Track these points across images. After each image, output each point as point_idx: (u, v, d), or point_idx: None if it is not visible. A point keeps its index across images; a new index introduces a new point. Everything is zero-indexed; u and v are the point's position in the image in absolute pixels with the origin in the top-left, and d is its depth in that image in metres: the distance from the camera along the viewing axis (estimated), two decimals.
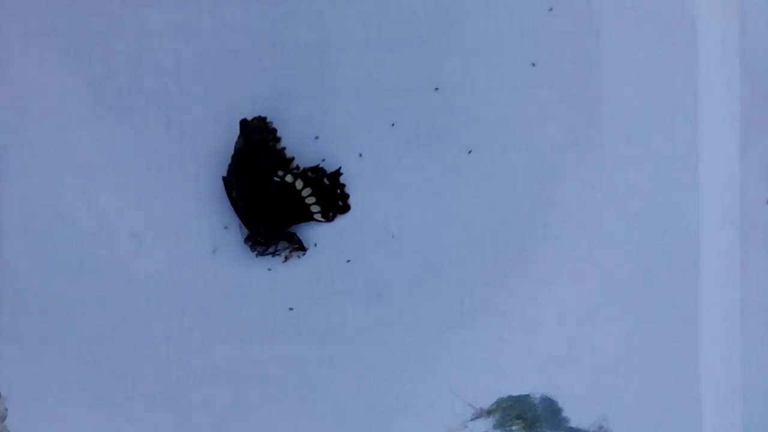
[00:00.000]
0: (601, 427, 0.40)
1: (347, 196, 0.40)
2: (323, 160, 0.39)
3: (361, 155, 0.39)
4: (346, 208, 0.40)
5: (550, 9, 0.38)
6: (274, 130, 0.39)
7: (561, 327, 0.39)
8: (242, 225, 0.40)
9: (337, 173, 0.40)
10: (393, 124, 0.39)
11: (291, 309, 0.40)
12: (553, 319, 0.39)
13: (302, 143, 0.40)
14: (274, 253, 0.40)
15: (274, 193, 0.39)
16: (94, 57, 0.39)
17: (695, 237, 0.39)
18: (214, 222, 0.40)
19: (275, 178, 0.39)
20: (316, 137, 0.39)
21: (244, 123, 0.39)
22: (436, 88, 0.39)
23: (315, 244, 0.40)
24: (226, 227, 0.40)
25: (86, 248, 0.40)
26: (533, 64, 0.38)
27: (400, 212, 0.40)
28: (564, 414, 0.40)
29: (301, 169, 0.39)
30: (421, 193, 0.39)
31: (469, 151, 0.39)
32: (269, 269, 0.40)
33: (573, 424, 0.40)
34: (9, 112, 0.40)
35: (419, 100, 0.39)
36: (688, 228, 0.39)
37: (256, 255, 0.40)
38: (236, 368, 0.40)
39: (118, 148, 0.40)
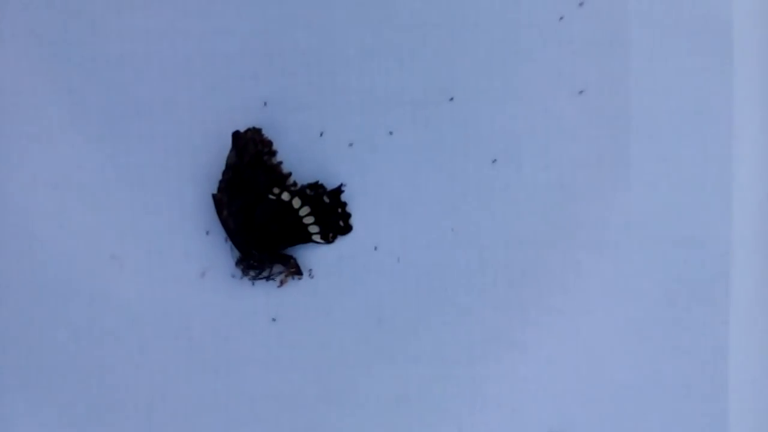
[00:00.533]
0: None
1: (349, 215, 0.37)
2: (322, 177, 0.36)
3: (364, 172, 0.36)
4: (347, 229, 0.37)
5: (579, 5, 0.35)
6: (270, 143, 0.36)
7: (580, 361, 0.36)
8: (233, 247, 0.36)
9: (338, 190, 0.37)
10: (394, 135, 0.36)
11: (284, 339, 0.37)
12: (571, 352, 0.36)
13: (300, 158, 0.36)
14: (268, 278, 0.37)
15: (269, 213, 0.36)
16: (73, 62, 0.36)
17: (726, 264, 0.36)
18: (202, 243, 0.37)
19: (270, 196, 0.36)
20: (318, 150, 0.36)
21: (236, 135, 0.35)
22: (451, 99, 0.36)
23: (310, 271, 0.36)
24: (207, 232, 0.36)
25: (62, 270, 0.37)
26: (556, 74, 0.35)
27: (407, 234, 0.36)
28: None
29: (298, 186, 0.36)
30: (430, 213, 0.36)
31: (489, 164, 0.35)
32: (263, 295, 0.37)
33: None
34: None
35: (430, 111, 0.36)
36: (719, 254, 0.36)
37: (249, 279, 0.37)
38: (225, 403, 0.36)
39: (97, 161, 0.37)
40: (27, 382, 0.37)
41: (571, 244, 0.36)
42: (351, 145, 0.36)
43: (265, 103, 0.36)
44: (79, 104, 0.36)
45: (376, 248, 0.36)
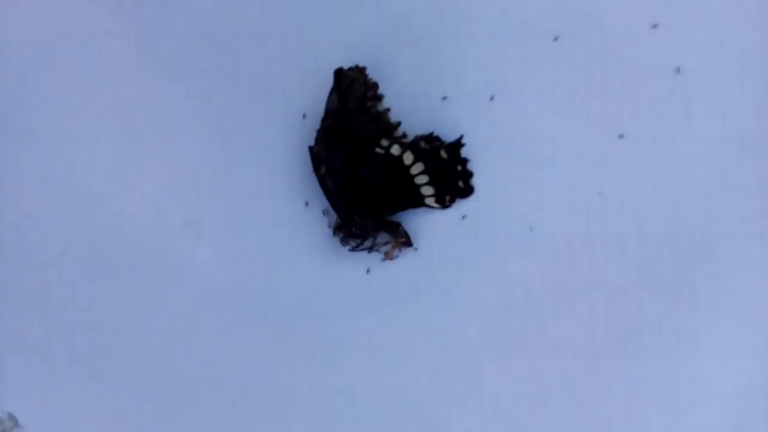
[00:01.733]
0: None
1: (471, 174, 0.30)
2: (437, 128, 0.30)
3: (490, 122, 0.30)
4: (468, 191, 0.30)
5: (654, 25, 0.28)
6: (375, 85, 0.30)
7: (762, 356, 0.29)
8: (331, 210, 0.30)
9: (458, 144, 0.30)
10: (527, 77, 0.29)
11: (392, 326, 0.30)
12: (751, 346, 0.29)
13: (412, 104, 0.30)
14: (371, 249, 0.30)
15: (376, 170, 0.30)
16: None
17: None
18: (294, 206, 0.31)
19: (377, 150, 0.30)
20: (444, 97, 0.30)
21: (339, 73, 0.29)
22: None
23: (428, 243, 0.30)
24: (307, 203, 0.31)
25: (126, 238, 0.31)
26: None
27: (542, 197, 0.30)
28: None
29: (410, 138, 0.30)
30: (571, 172, 0.29)
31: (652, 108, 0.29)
32: (367, 270, 0.31)
33: None
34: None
35: (578, 42, 0.29)
36: None
37: (349, 250, 0.30)
38: (323, 400, 0.30)
39: (167, 103, 0.31)
40: (91, 369, 0.32)
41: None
42: (475, 86, 0.30)
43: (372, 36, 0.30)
44: (149, 37, 0.31)
45: (503, 215, 0.30)
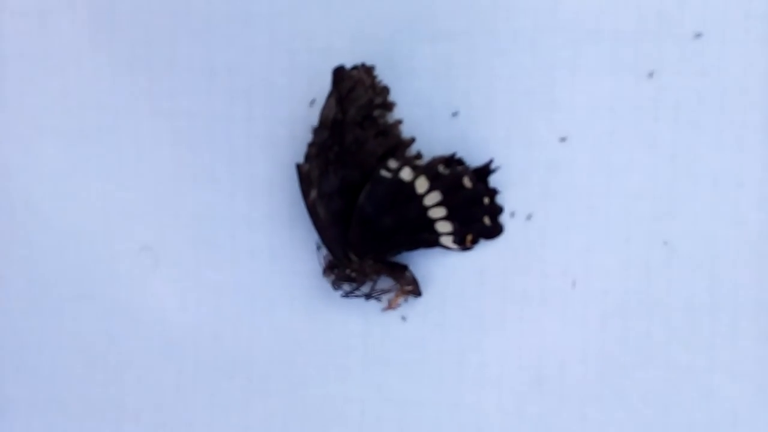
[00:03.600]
0: None
1: (500, 209, 0.24)
2: (461, 149, 0.23)
3: (527, 146, 0.23)
4: (496, 230, 0.24)
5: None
6: (385, 90, 0.24)
7: None
8: (321, 245, 0.24)
9: (486, 170, 0.24)
10: (569, 67, 0.23)
11: (388, 393, 0.24)
12: None
13: (431, 116, 0.24)
14: (369, 296, 0.24)
15: (380, 197, 0.23)
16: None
17: None
18: (276, 236, 0.25)
19: (383, 172, 0.23)
20: (454, 113, 0.24)
21: (339, 73, 0.23)
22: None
23: (441, 293, 0.24)
24: (293, 243, 0.24)
25: (72, 263, 0.25)
26: None
27: (590, 244, 0.23)
28: None
29: (426, 159, 0.24)
30: (630, 214, 0.23)
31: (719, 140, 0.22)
32: (362, 317, 0.24)
33: None
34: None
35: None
36: None
37: (342, 295, 0.24)
38: None
39: (128, 103, 0.25)
40: (31, 407, 0.26)
41: None
42: (508, 100, 0.23)
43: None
44: (104, 17, 0.25)
45: (539, 264, 0.24)
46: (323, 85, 0.23)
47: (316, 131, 0.23)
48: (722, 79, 0.23)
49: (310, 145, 0.23)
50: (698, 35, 0.23)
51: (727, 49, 0.23)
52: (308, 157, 0.23)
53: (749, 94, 0.23)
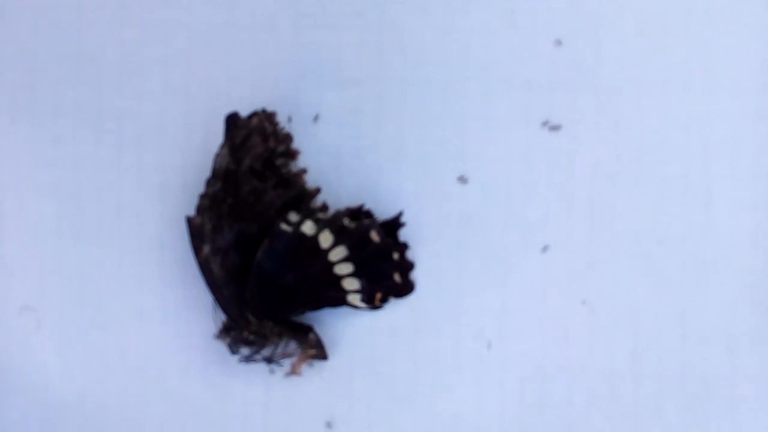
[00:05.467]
0: None
1: (411, 266, 0.22)
2: (369, 200, 0.22)
3: (439, 194, 0.22)
4: (407, 288, 0.22)
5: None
6: (288, 138, 0.22)
7: None
8: (216, 306, 0.22)
9: (396, 223, 0.22)
10: (480, 116, 0.22)
11: None
12: None
13: (337, 165, 0.22)
14: (271, 360, 0.22)
15: (279, 254, 0.21)
16: None
17: None
18: (168, 295, 0.22)
19: (283, 226, 0.22)
20: (381, 158, 0.22)
21: (233, 120, 0.21)
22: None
23: (348, 357, 0.22)
24: (186, 302, 0.22)
25: None
26: None
27: (505, 304, 0.22)
28: None
29: (331, 211, 0.22)
30: (548, 272, 0.22)
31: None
32: (264, 386, 0.22)
33: None
34: None
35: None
36: None
37: (240, 360, 0.22)
38: None
39: (8, 149, 0.22)
40: None
41: None
42: (422, 146, 0.22)
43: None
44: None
45: (452, 324, 0.22)
46: (219, 132, 0.21)
47: (209, 182, 0.21)
48: (640, 132, 0.22)
49: (202, 197, 0.21)
50: (611, 88, 0.22)
51: (644, 101, 0.22)
52: (200, 209, 0.21)
53: (667, 147, 0.22)
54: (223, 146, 0.21)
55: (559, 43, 0.22)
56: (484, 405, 0.22)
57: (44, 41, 0.23)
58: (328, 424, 0.22)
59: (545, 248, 0.22)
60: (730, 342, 0.21)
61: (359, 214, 0.22)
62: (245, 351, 0.22)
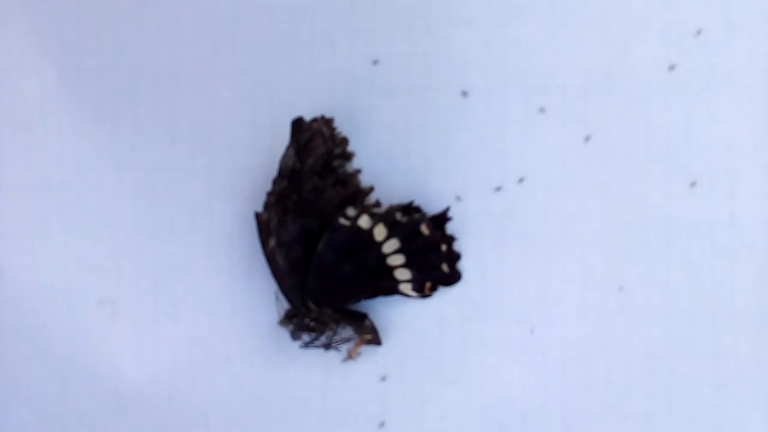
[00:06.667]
0: None
1: (458, 256, 0.24)
2: (419, 197, 0.24)
3: (484, 191, 0.24)
4: (454, 277, 0.24)
5: None
6: (345, 141, 0.24)
7: None
8: (280, 294, 0.24)
9: (444, 217, 0.24)
10: (542, 110, 0.24)
11: None
12: None
13: (389, 166, 0.24)
14: (328, 346, 0.24)
15: (338, 246, 0.24)
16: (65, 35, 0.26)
17: None
18: (235, 287, 0.24)
19: (341, 221, 0.24)
20: (429, 160, 0.24)
21: (298, 124, 0.23)
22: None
23: (401, 342, 0.24)
24: (252, 293, 0.24)
25: (29, 317, 0.25)
26: None
27: (547, 291, 0.23)
28: None
29: (384, 207, 0.24)
30: (586, 261, 0.23)
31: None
32: (323, 370, 0.24)
33: None
34: None
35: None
36: None
37: (300, 346, 0.24)
38: None
39: (90, 155, 0.25)
40: None
41: None
42: (468, 147, 0.24)
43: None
44: (71, 73, 0.25)
45: (497, 311, 0.24)
46: (283, 136, 0.23)
47: (275, 180, 0.23)
48: (668, 131, 0.24)
49: (269, 194, 0.24)
50: (641, 93, 0.24)
51: (671, 102, 0.24)
52: (267, 205, 0.24)
53: (693, 144, 0.23)
54: (289, 147, 0.23)
55: (590, 51, 0.24)
56: (528, 385, 0.23)
57: (124, 57, 0.25)
58: (383, 406, 0.24)
59: (583, 239, 0.23)
60: (758, 321, 0.22)
61: (410, 209, 0.24)
62: (306, 337, 0.24)
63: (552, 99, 0.24)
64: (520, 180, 0.24)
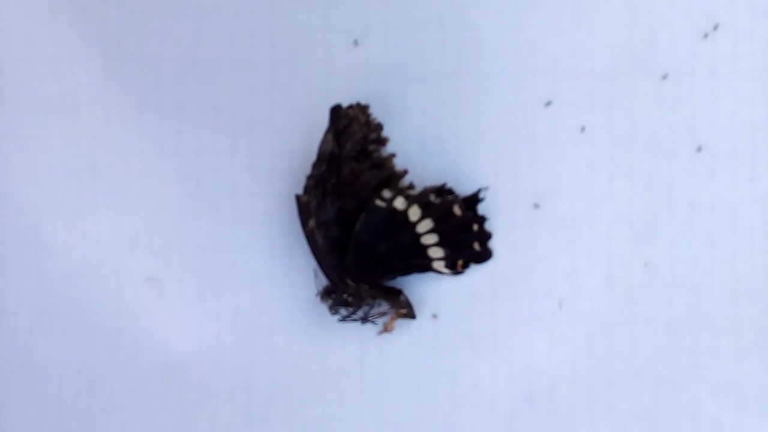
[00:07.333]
0: None
1: (489, 235, 0.25)
2: (450, 179, 0.25)
3: (513, 174, 0.25)
4: (485, 255, 0.25)
5: None
6: (379, 127, 0.25)
7: None
8: (319, 271, 0.26)
9: (475, 198, 0.25)
10: (548, 103, 0.25)
11: (384, 415, 0.25)
12: None
13: (422, 150, 0.25)
14: (365, 319, 0.25)
15: (374, 226, 0.25)
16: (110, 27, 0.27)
17: None
18: (276, 264, 0.26)
19: (377, 202, 0.25)
20: (460, 143, 0.25)
21: (336, 111, 0.25)
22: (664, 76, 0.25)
23: (435, 316, 0.25)
24: (292, 271, 0.26)
25: (79, 293, 0.26)
26: None
27: (575, 267, 0.25)
28: None
29: (418, 189, 0.25)
30: (612, 237, 0.24)
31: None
32: (359, 342, 0.26)
33: None
34: None
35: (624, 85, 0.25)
36: None
37: (339, 320, 0.25)
38: None
39: (136, 141, 0.26)
40: None
41: None
42: (493, 129, 0.25)
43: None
44: (116, 62, 0.26)
45: (527, 286, 0.25)
46: (321, 122, 0.25)
47: (315, 164, 0.25)
48: (693, 113, 0.25)
49: (309, 178, 0.25)
50: (665, 76, 0.25)
51: (695, 86, 0.25)
52: (307, 188, 0.25)
53: (717, 127, 0.24)
54: (327, 133, 0.24)
55: (616, 35, 0.25)
56: (556, 357, 0.24)
57: (167, 46, 0.26)
58: (416, 379, 0.25)
59: (610, 218, 0.24)
60: None
61: (443, 191, 0.25)
62: (343, 312, 0.25)
63: (580, 82, 0.25)
64: (549, 160, 0.25)
